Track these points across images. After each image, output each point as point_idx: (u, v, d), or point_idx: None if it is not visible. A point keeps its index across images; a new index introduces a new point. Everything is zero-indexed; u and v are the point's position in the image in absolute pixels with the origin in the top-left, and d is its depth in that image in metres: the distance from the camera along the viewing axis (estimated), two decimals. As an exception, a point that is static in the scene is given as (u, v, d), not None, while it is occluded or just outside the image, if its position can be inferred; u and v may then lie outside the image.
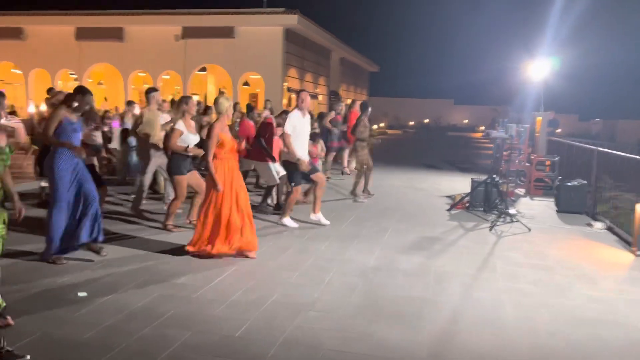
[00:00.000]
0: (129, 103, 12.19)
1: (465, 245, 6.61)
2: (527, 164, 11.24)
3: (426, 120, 55.26)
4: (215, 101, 5.79)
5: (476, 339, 3.87)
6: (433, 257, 6.00)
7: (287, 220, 7.19)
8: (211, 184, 5.47)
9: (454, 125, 52.57)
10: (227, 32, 22.71)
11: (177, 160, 6.42)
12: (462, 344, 3.79)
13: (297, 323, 3.99)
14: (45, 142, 5.85)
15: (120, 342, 3.55)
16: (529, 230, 7.54)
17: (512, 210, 8.72)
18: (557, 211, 9.13)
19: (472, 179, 9.35)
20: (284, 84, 25.13)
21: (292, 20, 22.17)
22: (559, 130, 38.94)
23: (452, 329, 4.03)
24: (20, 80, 25.44)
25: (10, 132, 5.32)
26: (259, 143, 7.91)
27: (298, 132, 7.02)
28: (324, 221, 7.36)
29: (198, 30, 22.95)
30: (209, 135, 5.54)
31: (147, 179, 7.56)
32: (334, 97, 30.29)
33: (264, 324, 3.95)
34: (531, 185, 10.99)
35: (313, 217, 7.40)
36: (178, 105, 6.61)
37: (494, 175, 8.76)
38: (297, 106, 7.16)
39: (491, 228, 7.57)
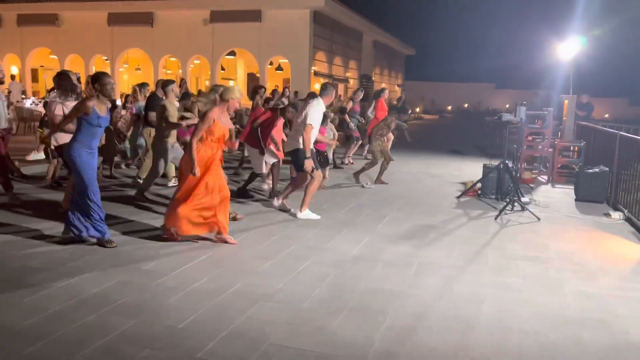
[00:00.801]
0: (143, 85, 12.11)
1: (462, 235, 6.24)
2: (550, 150, 10.63)
3: (465, 105, 53.88)
4: (217, 88, 5.57)
5: (437, 337, 3.57)
6: (423, 248, 5.67)
7: (306, 213, 6.71)
8: (188, 165, 5.30)
9: (495, 110, 51.06)
10: (254, 16, 22.56)
11: None
12: (420, 342, 3.49)
13: (248, 314, 3.79)
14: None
15: (57, 330, 3.43)
16: (538, 219, 7.08)
17: (525, 198, 8.26)
18: (576, 200, 8.59)
19: (484, 164, 8.89)
20: (313, 68, 24.88)
21: (319, 2, 21.80)
22: (607, 115, 37.01)
23: (415, 325, 3.73)
24: (57, 66, 26.08)
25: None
26: (254, 131, 7.67)
27: (315, 125, 6.63)
28: (314, 216, 6.75)
29: (226, 14, 22.89)
30: (203, 117, 5.34)
31: (161, 168, 7.43)
32: (365, 81, 29.83)
33: (214, 315, 3.76)
34: (554, 172, 10.41)
35: (300, 215, 6.72)
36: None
37: (507, 161, 8.27)
38: (322, 96, 6.81)
39: (497, 217, 7.15)
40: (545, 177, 10.64)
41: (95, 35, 24.87)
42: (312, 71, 23.35)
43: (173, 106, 7.40)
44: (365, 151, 12.87)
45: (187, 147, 5.61)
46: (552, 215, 7.50)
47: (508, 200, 7.63)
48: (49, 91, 8.66)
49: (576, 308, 4.17)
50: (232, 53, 24.73)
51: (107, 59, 25.66)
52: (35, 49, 26.47)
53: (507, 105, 54.25)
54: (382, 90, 12.80)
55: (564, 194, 9.17)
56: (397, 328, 3.69)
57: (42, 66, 28.23)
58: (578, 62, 13.56)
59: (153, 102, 8.08)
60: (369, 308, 4.01)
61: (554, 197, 8.91)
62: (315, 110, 6.61)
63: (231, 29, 22.98)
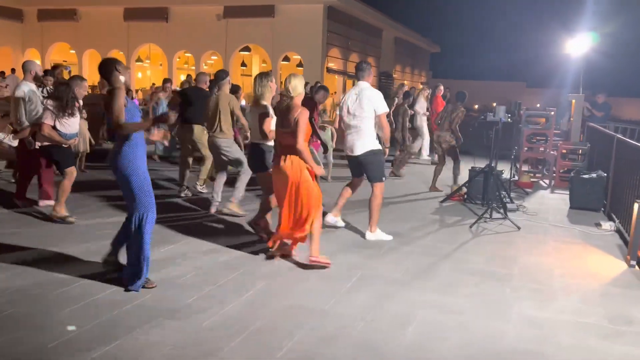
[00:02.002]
0: (166, 81, 11.83)
1: (423, 245, 5.75)
2: (552, 152, 9.96)
3: (494, 104, 52.58)
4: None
5: (334, 368, 3.15)
6: (374, 258, 5.22)
7: (330, 218, 6.09)
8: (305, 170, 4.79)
9: (524, 110, 49.52)
10: (267, 11, 22.24)
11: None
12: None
13: (137, 333, 3.42)
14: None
15: None
16: (518, 229, 6.53)
17: (513, 205, 7.70)
18: (571, 207, 7.96)
19: (470, 168, 8.33)
20: (331, 64, 24.44)
21: (333, -4, 21.34)
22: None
23: (316, 353, 3.30)
24: (76, 61, 26.33)
25: None
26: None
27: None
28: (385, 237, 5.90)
29: (239, 9, 22.65)
30: (299, 120, 4.66)
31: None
32: (384, 79, 29.22)
33: (98, 331, 3.42)
34: (556, 176, 9.74)
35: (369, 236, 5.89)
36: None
37: (492, 164, 7.71)
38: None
39: (472, 225, 6.62)
40: (548, 181, 9.99)
41: (112, 30, 24.98)
42: (326, 68, 22.93)
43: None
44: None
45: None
46: (536, 224, 6.93)
47: (487, 206, 7.07)
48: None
49: (515, 337, 3.67)
50: (247, 49, 24.48)
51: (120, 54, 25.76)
52: (54, 43, 26.79)
53: (538, 105, 52.66)
54: (437, 86, 12.83)
55: (561, 200, 8.54)
56: (295, 355, 3.27)
57: (65, 61, 28.59)
58: (572, 59, 12.92)
59: (199, 95, 7.39)
60: (275, 329, 3.60)
61: (547, 204, 8.30)
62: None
63: (244, 24, 22.74)
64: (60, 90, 6.01)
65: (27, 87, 6.19)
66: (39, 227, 5.72)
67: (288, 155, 4.72)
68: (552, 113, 10.40)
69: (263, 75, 5.53)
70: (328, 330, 3.61)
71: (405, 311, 3.99)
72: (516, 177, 9.78)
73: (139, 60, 26.57)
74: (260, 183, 5.84)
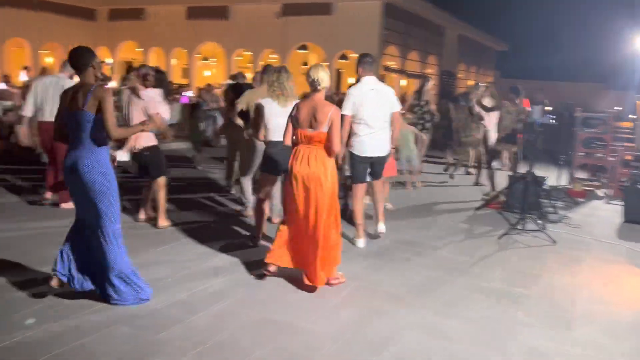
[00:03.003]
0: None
1: (439, 257, 5.25)
2: (610, 159, 9.04)
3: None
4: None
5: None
6: (377, 269, 4.79)
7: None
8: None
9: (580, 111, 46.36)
10: (325, 9, 21.98)
11: None
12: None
13: (87, 340, 3.21)
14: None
15: None
16: (554, 242, 5.86)
17: (554, 216, 7.00)
18: (625, 221, 7.13)
19: (509, 174, 7.66)
20: (390, 63, 23.87)
21: (391, -7, 20.76)
22: None
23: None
24: (141, 59, 27.22)
25: None
26: None
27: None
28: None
29: (297, 7, 22.52)
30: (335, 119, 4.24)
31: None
32: (446, 78, 28.21)
33: (44, 337, 3.24)
34: (615, 185, 8.82)
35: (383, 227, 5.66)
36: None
37: (534, 170, 7.02)
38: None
39: (502, 236, 6.02)
40: (607, 190, 9.08)
41: (175, 28, 25.58)
42: (382, 66, 22.37)
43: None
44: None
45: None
46: (577, 238, 6.22)
47: (523, 216, 6.42)
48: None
49: (509, 372, 3.17)
50: (305, 47, 24.33)
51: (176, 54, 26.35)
52: (123, 42, 27.80)
53: (619, 108, 49.22)
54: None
55: (615, 212, 7.67)
56: (243, 377, 2.95)
57: (134, 59, 29.69)
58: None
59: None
60: (237, 345, 3.29)
61: (597, 216, 7.49)
62: None
63: (302, 22, 22.58)
64: (160, 77, 5.98)
65: None
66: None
67: (313, 156, 4.21)
68: (611, 115, 9.44)
69: (283, 70, 5.11)
70: (293, 350, 3.26)
71: (389, 332, 3.56)
72: (569, 185, 8.96)
73: (205, 58, 27.11)
74: (262, 185, 5.34)
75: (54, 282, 3.69)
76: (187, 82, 25.45)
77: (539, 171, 7.33)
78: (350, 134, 5.29)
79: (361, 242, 5.40)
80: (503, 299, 4.25)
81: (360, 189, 5.41)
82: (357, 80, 5.40)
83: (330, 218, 4.24)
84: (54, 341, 3.17)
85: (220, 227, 5.86)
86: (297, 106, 4.34)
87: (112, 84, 11.60)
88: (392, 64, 24.27)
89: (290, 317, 3.70)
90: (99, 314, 3.56)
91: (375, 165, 5.44)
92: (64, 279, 3.68)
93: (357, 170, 5.39)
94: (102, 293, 3.71)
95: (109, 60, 27.49)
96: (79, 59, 3.66)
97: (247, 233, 5.63)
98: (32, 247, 4.78)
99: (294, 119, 4.30)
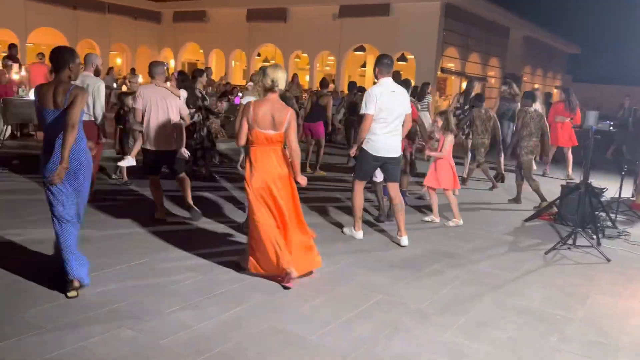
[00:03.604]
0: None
1: (475, 270, 4.89)
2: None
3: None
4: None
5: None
6: (407, 281, 4.51)
7: (347, 229, 5.71)
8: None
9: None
10: (383, 10, 21.66)
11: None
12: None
13: (91, 342, 3.15)
14: None
15: None
16: (607, 261, 5.36)
17: (611, 230, 6.43)
18: (694, 239, 6.44)
19: (562, 184, 7.11)
20: (450, 65, 23.25)
21: (451, -6, 20.17)
22: None
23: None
24: (203, 60, 27.86)
25: None
26: None
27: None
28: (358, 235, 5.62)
29: (355, 8, 22.33)
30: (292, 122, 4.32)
31: None
32: (509, 80, 27.14)
33: (47, 337, 3.21)
34: (687, 199, 8.05)
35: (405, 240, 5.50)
36: None
37: (590, 181, 6.47)
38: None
39: (549, 251, 5.56)
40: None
41: (235, 30, 26.01)
42: (440, 68, 21.79)
43: None
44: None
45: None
46: (635, 256, 5.67)
47: (576, 230, 5.91)
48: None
49: (533, 406, 2.83)
50: (362, 49, 24.09)
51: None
52: (186, 43, 28.58)
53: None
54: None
55: (684, 228, 6.98)
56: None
57: (197, 60, 30.49)
58: None
59: None
60: (239, 356, 3.13)
61: (663, 232, 6.82)
62: None
63: (359, 23, 22.36)
64: (183, 79, 6.45)
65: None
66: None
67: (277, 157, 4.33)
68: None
69: (279, 68, 4.92)
70: (296, 366, 3.06)
71: (405, 352, 3.29)
72: (633, 197, 8.27)
73: (265, 60, 27.44)
74: None
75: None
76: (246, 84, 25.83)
77: (597, 181, 6.78)
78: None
79: (360, 234, 5.57)
80: (540, 321, 3.87)
81: (360, 186, 5.50)
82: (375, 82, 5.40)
83: (298, 218, 4.41)
84: (54, 342, 3.13)
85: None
86: (251, 107, 4.27)
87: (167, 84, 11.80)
88: (452, 65, 23.62)
89: (301, 329, 3.50)
90: (106, 315, 3.50)
91: (388, 166, 5.43)
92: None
93: (363, 167, 5.44)
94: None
95: (172, 62, 28.29)
96: (59, 58, 3.72)
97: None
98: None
99: (249, 119, 4.23)
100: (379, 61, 5.28)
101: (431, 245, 5.57)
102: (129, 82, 18.72)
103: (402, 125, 5.39)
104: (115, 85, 18.23)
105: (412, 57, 22.10)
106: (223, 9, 26.42)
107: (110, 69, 20.64)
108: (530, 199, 7.87)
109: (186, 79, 7.77)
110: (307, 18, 23.90)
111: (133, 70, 21.21)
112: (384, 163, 5.38)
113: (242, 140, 4.31)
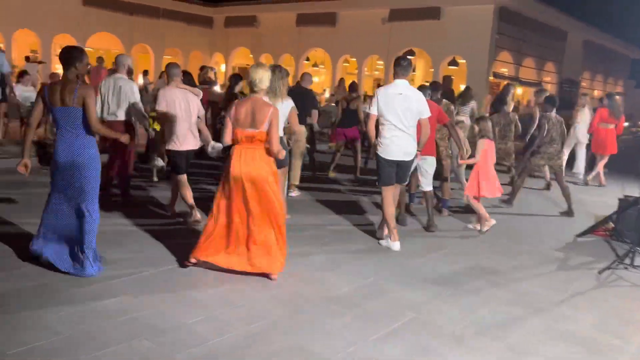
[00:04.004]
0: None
1: (519, 290, 4.54)
2: None
3: None
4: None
5: None
6: (443, 299, 4.23)
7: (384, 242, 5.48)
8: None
9: None
10: (434, 13, 21.20)
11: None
12: None
13: (110, 350, 3.06)
14: None
15: None
16: (669, 284, 4.89)
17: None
18: None
19: (619, 198, 6.60)
20: (503, 70, 22.53)
21: (505, -4, 19.50)
22: None
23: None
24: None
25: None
26: None
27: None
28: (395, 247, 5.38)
29: (405, 12, 21.95)
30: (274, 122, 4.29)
31: None
32: (567, 87, 26.05)
33: (61, 345, 3.13)
34: None
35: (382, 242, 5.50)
36: None
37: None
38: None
39: (603, 270, 5.14)
40: None
41: (284, 35, 26.11)
42: (492, 73, 21.09)
43: None
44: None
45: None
46: (702, 280, 5.15)
47: (634, 248, 5.44)
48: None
49: None
50: (411, 53, 23.67)
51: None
52: (237, 48, 28.94)
53: None
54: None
55: None
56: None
57: (248, 65, 30.82)
58: None
59: (300, 95, 7.23)
60: None
61: None
62: None
63: (409, 27, 21.97)
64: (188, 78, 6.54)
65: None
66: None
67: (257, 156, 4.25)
68: None
69: (276, 69, 5.31)
70: (316, 390, 2.86)
71: (434, 380, 3.04)
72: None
73: (314, 65, 27.44)
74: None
75: None
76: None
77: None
78: (378, 135, 5.35)
79: (397, 245, 5.34)
80: (588, 350, 3.52)
81: (387, 192, 5.38)
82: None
83: (270, 217, 4.27)
84: (69, 350, 3.05)
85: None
86: (235, 106, 4.31)
87: (217, 88, 11.89)
88: (505, 70, 22.86)
89: (325, 348, 3.30)
90: (125, 324, 3.41)
91: (400, 169, 5.37)
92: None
93: (382, 172, 5.38)
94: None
95: (222, 66, 28.72)
96: (67, 57, 3.95)
97: (307, 245, 5.31)
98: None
99: (233, 118, 4.25)
100: (395, 63, 5.30)
101: (472, 260, 5.25)
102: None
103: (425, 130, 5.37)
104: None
105: (464, 61, 21.54)
106: (273, 13, 26.60)
107: (162, 73, 21.11)
108: (585, 212, 7.38)
109: (191, 78, 7.88)
110: (356, 22, 23.71)
111: (146, 72, 21.50)
112: (397, 165, 5.33)
113: (227, 139, 4.33)
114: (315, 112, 7.49)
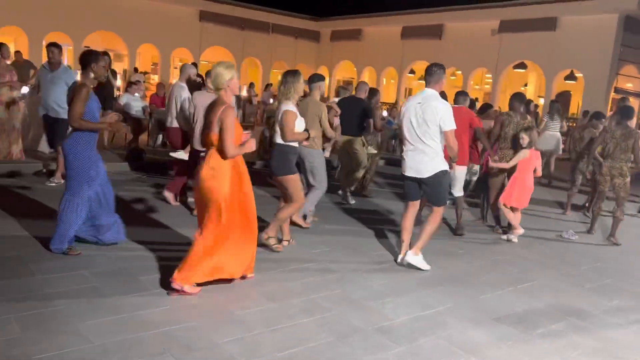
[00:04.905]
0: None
1: (606, 339, 3.86)
2: None
3: None
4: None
5: None
6: (501, 344, 3.69)
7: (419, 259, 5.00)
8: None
9: None
10: (549, 24, 19.81)
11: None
12: None
13: (123, 366, 2.97)
14: None
15: None
16: None
17: None
18: None
19: None
20: (628, 84, 20.53)
21: (631, 3, 17.71)
22: None
23: None
24: (356, 77, 28.16)
25: None
26: None
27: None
28: (424, 265, 4.99)
29: (517, 23, 20.76)
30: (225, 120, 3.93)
31: None
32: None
33: (89, 356, 3.08)
34: None
35: (410, 258, 4.99)
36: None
37: None
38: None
39: None
40: None
41: (389, 48, 25.85)
42: (614, 88, 19.22)
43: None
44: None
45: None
46: None
47: None
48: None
49: None
50: (523, 65, 22.30)
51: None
52: (341, 61, 29.17)
53: None
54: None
55: None
56: None
57: (352, 78, 30.95)
58: None
59: (353, 105, 7.45)
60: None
61: None
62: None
63: (520, 39, 20.72)
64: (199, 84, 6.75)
65: None
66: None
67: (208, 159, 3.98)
68: None
69: (288, 74, 5.18)
70: None
71: None
72: None
73: (421, 78, 26.89)
74: (279, 188, 5.39)
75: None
76: (394, 101, 25.49)
77: None
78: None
79: (400, 258, 5.06)
80: None
81: (406, 207, 5.18)
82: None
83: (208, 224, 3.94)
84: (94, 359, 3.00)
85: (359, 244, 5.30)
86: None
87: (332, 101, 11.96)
88: (630, 86, 20.76)
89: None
90: (156, 337, 3.31)
91: (423, 186, 4.97)
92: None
93: (404, 187, 5.17)
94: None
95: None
96: (82, 60, 4.49)
97: (357, 263, 4.96)
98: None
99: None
100: (426, 70, 4.96)
101: (557, 296, 4.61)
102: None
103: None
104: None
105: (581, 75, 19.89)
106: (379, 27, 26.48)
107: (267, 85, 21.78)
108: None
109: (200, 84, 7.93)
110: (463, 34, 22.87)
111: (252, 84, 21.98)
112: (420, 183, 4.96)
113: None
114: (370, 121, 7.52)
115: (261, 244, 4.86)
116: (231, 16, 25.81)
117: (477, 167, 7.45)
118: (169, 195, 6.52)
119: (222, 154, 3.91)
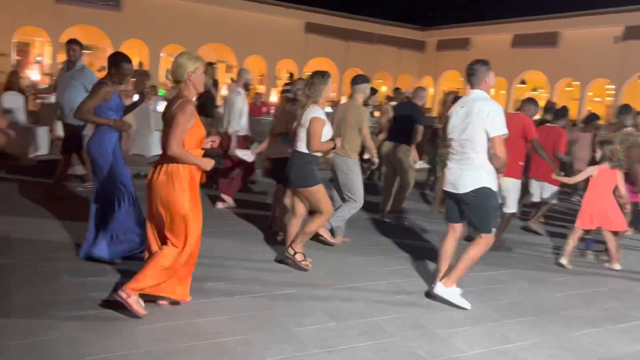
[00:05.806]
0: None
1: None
2: None
3: None
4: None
5: None
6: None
7: (453, 293, 4.23)
8: None
9: None
10: (682, 29, 17.82)
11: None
12: None
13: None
14: None
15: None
16: None
17: None
18: None
19: None
20: None
21: None
22: None
23: None
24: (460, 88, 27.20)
25: None
26: None
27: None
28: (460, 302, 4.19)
29: (643, 29, 18.91)
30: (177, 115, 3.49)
31: None
32: None
33: None
34: None
35: (440, 290, 4.22)
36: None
37: None
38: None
39: None
40: None
41: (498, 57, 24.57)
42: None
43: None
44: None
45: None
46: None
47: None
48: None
49: None
50: (650, 76, 20.20)
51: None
52: (446, 71, 28.32)
53: None
54: None
55: None
56: None
57: (459, 89, 29.96)
58: None
59: (408, 112, 6.86)
60: None
61: None
62: None
63: (647, 46, 18.84)
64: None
65: None
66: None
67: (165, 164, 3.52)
68: None
69: (316, 74, 4.67)
70: None
71: None
72: None
73: (534, 89, 25.41)
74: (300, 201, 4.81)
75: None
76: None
77: None
78: None
79: (464, 303, 4.16)
80: None
81: (448, 228, 4.37)
82: None
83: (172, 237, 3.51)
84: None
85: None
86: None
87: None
88: None
89: None
90: (204, 349, 3.21)
91: (462, 205, 4.20)
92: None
93: (447, 205, 4.44)
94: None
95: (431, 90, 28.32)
96: (108, 62, 4.54)
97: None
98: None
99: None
100: (467, 70, 4.36)
101: (613, 344, 3.91)
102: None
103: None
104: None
105: None
106: (488, 35, 25.40)
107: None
108: None
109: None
110: (581, 42, 21.21)
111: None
112: (458, 201, 4.20)
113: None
114: (419, 128, 6.50)
115: (285, 261, 4.67)
116: (336, 27, 26.08)
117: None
118: (227, 198, 6.62)
119: (165, 150, 3.42)
